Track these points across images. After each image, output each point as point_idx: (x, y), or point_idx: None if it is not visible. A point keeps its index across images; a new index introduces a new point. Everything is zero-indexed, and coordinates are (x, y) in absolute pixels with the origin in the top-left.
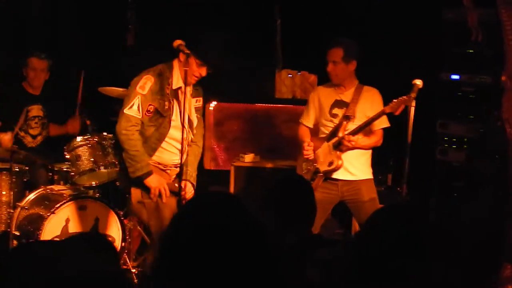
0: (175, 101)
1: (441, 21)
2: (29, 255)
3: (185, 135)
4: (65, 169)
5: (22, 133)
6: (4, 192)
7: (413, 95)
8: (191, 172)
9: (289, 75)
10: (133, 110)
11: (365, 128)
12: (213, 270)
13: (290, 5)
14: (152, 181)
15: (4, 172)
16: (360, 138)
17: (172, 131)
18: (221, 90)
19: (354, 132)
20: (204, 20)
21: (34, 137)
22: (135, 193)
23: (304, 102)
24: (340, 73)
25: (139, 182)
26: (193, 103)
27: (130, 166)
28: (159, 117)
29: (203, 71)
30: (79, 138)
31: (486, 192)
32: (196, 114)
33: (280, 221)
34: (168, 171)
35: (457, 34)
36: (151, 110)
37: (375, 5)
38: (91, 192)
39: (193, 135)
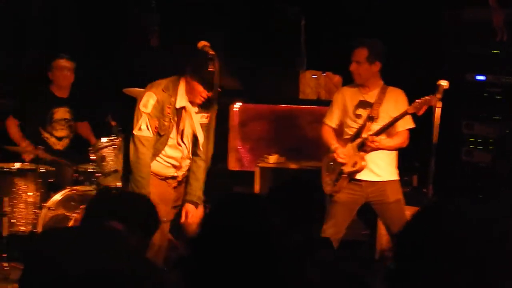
0: (175, 120)
1: (464, 22)
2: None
3: (184, 154)
4: (90, 170)
5: (46, 134)
6: (30, 193)
7: (438, 96)
8: (194, 190)
9: (314, 76)
10: (142, 130)
11: (389, 128)
12: (222, 268)
13: (314, 6)
14: None
15: (30, 173)
16: (383, 139)
17: (168, 149)
18: (245, 91)
19: (378, 133)
20: (228, 22)
21: (59, 139)
22: None
23: (328, 103)
24: (363, 73)
25: None
26: (198, 119)
27: (131, 188)
28: (157, 135)
29: (210, 94)
30: (104, 139)
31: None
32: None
33: (286, 221)
34: (168, 181)
35: (482, 35)
36: (157, 126)
37: (399, 5)
38: None
39: (197, 151)
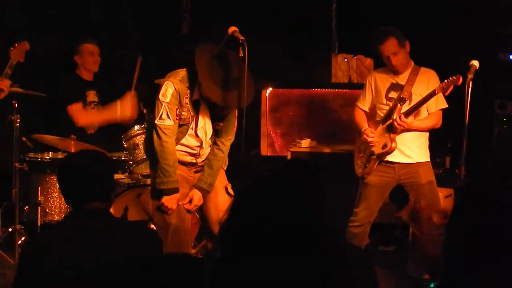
0: (193, 111)
1: (497, 2)
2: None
3: (202, 144)
4: (123, 158)
5: None
6: None
7: (470, 76)
8: (206, 177)
9: (345, 60)
10: (163, 119)
11: (418, 109)
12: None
13: None
14: (168, 200)
15: None
16: (414, 121)
17: (188, 138)
18: (276, 76)
19: (407, 114)
20: (259, 7)
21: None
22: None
23: (360, 86)
24: (404, 59)
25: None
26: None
27: (158, 176)
28: (179, 125)
29: None
30: (136, 127)
31: None
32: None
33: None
34: (188, 166)
35: None
36: (178, 114)
37: None
38: (148, 180)
39: (216, 140)
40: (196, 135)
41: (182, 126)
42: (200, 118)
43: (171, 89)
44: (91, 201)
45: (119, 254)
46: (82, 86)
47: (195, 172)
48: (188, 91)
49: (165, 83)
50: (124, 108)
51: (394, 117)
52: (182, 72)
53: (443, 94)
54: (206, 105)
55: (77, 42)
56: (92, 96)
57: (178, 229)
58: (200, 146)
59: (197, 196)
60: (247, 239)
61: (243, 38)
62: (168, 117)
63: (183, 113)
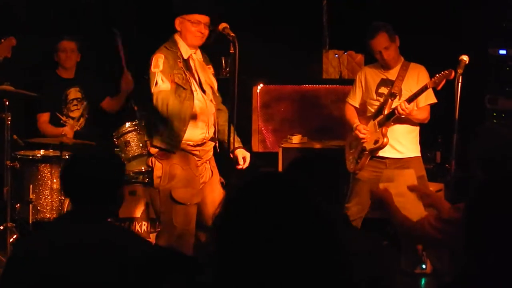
0: (189, 71)
1: None
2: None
3: (209, 105)
4: None
5: (64, 118)
6: (55, 180)
7: (459, 71)
8: (233, 138)
9: (336, 55)
10: (159, 85)
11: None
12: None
13: None
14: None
15: (55, 159)
16: (414, 109)
17: (196, 103)
18: (267, 72)
19: (409, 100)
20: (249, 2)
21: (77, 119)
22: (157, 169)
23: (351, 82)
24: (394, 54)
25: (164, 158)
26: (207, 70)
27: (168, 143)
28: (181, 91)
29: (202, 29)
30: (127, 124)
31: None
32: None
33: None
34: (197, 152)
35: (506, 8)
36: (174, 81)
37: None
38: (140, 177)
39: (218, 105)
40: (203, 90)
41: (186, 91)
42: (200, 74)
43: (161, 58)
44: (92, 204)
45: (109, 265)
46: (60, 85)
47: (202, 164)
48: (178, 53)
49: (154, 56)
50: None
51: (386, 112)
52: (164, 44)
53: (436, 88)
54: (198, 63)
55: (56, 40)
56: (74, 93)
57: (184, 233)
58: (208, 108)
59: (245, 153)
60: (245, 236)
61: (233, 34)
62: (163, 81)
63: (179, 76)
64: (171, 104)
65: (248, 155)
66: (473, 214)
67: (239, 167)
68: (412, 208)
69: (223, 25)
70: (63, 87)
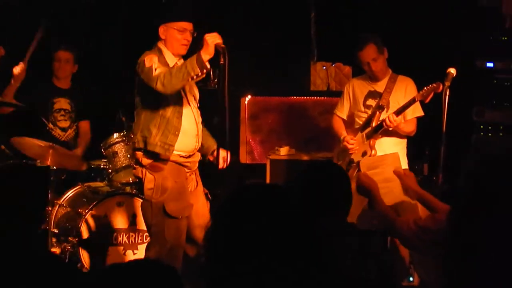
0: None
1: (476, 7)
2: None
3: (195, 115)
4: (102, 166)
5: (50, 125)
6: None
7: (447, 83)
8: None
9: (324, 67)
10: (158, 69)
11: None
12: (261, 260)
13: None
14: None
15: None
16: (402, 122)
17: (185, 112)
18: (255, 83)
19: (398, 112)
20: (238, 13)
21: (64, 130)
22: (149, 181)
23: (339, 94)
24: (382, 65)
25: (157, 170)
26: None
27: (183, 70)
28: (169, 103)
29: (188, 36)
30: (115, 135)
31: None
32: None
33: (314, 206)
34: (188, 163)
35: (492, 21)
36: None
37: None
38: (128, 188)
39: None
40: (188, 103)
41: (176, 105)
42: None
43: (154, 57)
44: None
45: None
46: (49, 93)
47: (190, 175)
48: (164, 61)
49: (145, 57)
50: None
51: (374, 124)
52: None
53: (424, 101)
54: None
55: (52, 50)
56: (63, 103)
57: (174, 246)
58: (196, 121)
59: (224, 153)
60: (236, 249)
61: (224, 46)
62: (163, 65)
63: None
64: (174, 75)
65: (226, 154)
66: (457, 224)
67: (220, 167)
68: (398, 193)
69: (214, 40)
70: (52, 94)
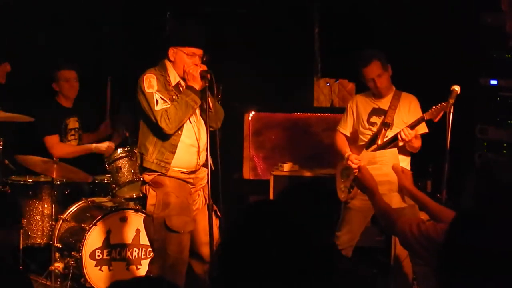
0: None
1: (480, 26)
2: None
3: (198, 130)
4: (106, 181)
5: None
6: (46, 205)
7: (451, 101)
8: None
9: (327, 84)
10: (160, 104)
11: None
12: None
13: (328, 14)
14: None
15: (46, 185)
16: (414, 138)
17: (187, 127)
18: (259, 100)
19: (412, 126)
20: (242, 30)
21: None
22: (151, 197)
23: (342, 110)
24: (387, 83)
25: (159, 186)
26: None
27: (183, 101)
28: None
29: (197, 60)
30: (119, 150)
31: None
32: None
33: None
34: (191, 180)
35: (496, 39)
36: (169, 98)
37: (412, 11)
38: (131, 203)
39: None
40: (189, 119)
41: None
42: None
43: (153, 78)
44: None
45: None
46: (61, 114)
47: (195, 191)
48: (168, 78)
49: (144, 77)
50: (99, 145)
51: (379, 142)
52: (152, 68)
53: (433, 120)
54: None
55: (54, 69)
56: (73, 123)
57: (177, 261)
58: (198, 137)
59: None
60: (247, 261)
61: (206, 69)
62: (164, 100)
63: (174, 96)
64: (176, 114)
65: None
66: (453, 241)
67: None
68: (398, 202)
69: (196, 69)
70: (64, 115)
